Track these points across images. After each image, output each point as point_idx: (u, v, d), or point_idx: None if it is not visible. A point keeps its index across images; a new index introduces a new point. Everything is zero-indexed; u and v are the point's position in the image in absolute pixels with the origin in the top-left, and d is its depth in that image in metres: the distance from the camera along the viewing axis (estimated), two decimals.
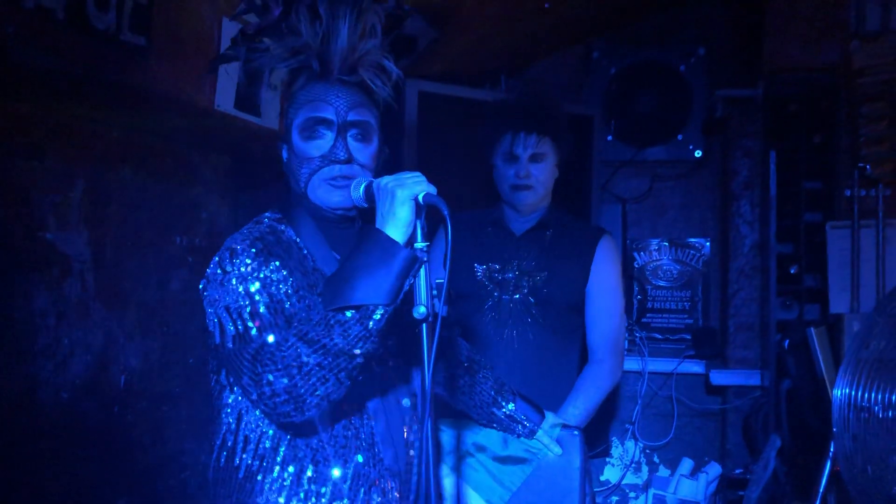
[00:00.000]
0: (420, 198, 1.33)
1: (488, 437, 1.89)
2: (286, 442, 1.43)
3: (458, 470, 1.88)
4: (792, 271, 3.40)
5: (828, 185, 3.42)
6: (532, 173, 2.34)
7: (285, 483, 1.42)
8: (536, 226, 2.40)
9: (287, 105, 1.56)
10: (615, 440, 3.97)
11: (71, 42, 1.80)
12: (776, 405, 3.18)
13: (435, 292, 1.34)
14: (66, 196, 1.96)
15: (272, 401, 1.29)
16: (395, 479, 1.50)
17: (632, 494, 3.98)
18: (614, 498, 3.99)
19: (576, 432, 1.92)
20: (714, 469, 3.66)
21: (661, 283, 4.01)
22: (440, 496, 1.41)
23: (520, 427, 1.86)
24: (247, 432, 1.43)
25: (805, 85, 3.44)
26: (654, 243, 4.01)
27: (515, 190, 2.35)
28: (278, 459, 1.42)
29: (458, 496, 1.86)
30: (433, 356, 1.32)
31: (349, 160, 1.49)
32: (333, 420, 1.45)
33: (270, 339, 1.33)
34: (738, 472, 3.54)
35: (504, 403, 1.85)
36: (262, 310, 1.36)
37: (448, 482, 1.88)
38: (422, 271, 1.33)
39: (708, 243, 3.96)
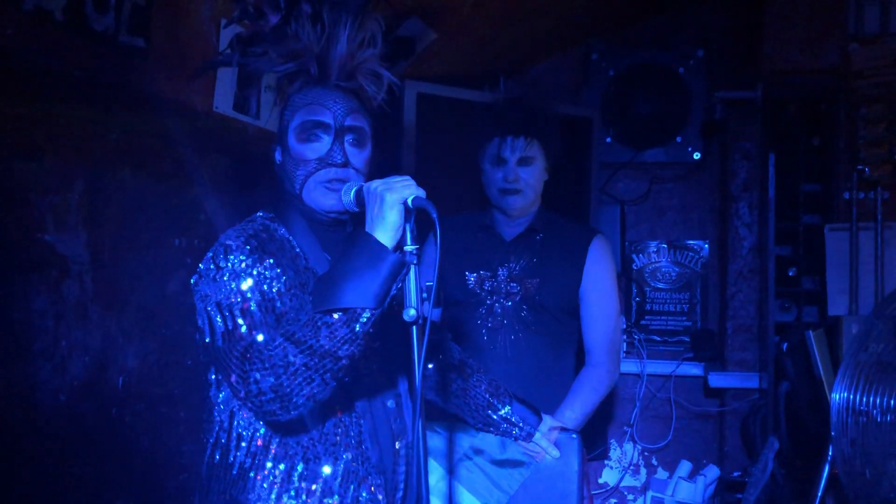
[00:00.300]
0: (409, 201, 1.34)
1: (485, 440, 1.89)
2: (277, 440, 1.44)
3: (453, 473, 1.88)
4: (790, 273, 3.41)
5: (826, 188, 3.43)
6: (521, 177, 2.31)
7: (276, 480, 1.43)
8: (527, 230, 2.37)
9: (282, 107, 1.56)
10: (613, 442, 3.97)
11: (70, 43, 1.80)
12: (774, 408, 3.19)
13: (425, 295, 1.35)
14: (64, 197, 1.96)
15: (258, 399, 1.30)
16: (381, 477, 1.52)
17: (630, 497, 3.98)
18: (613, 500, 3.99)
19: (574, 435, 1.92)
20: (712, 471, 3.66)
21: (660, 285, 4.01)
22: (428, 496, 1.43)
23: (516, 430, 1.86)
24: (240, 430, 1.45)
25: (804, 87, 3.44)
26: (653, 245, 4.02)
27: (504, 194, 2.32)
28: (270, 457, 1.44)
29: (451, 498, 1.86)
30: (423, 358, 1.34)
31: (346, 164, 1.50)
32: (324, 418, 1.46)
33: (260, 337, 1.34)
34: (736, 474, 3.54)
35: (499, 406, 1.85)
36: (252, 307, 1.37)
37: (442, 485, 1.88)
38: (411, 274, 1.34)
39: (706, 245, 3.96)
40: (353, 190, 1.46)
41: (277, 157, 1.57)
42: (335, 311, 1.31)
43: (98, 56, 1.85)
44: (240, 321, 1.36)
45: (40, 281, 1.89)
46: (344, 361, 1.32)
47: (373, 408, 1.52)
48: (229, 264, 1.39)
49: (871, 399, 2.06)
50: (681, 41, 3.93)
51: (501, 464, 1.88)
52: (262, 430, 1.44)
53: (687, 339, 3.92)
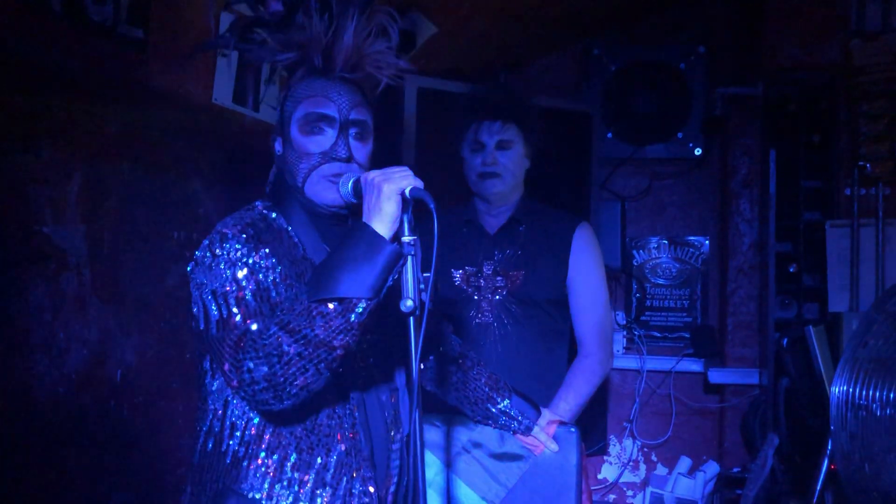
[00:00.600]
0: (407, 192, 1.34)
1: (484, 433, 1.89)
2: (270, 429, 1.44)
3: (451, 466, 1.88)
4: (791, 270, 3.40)
5: (827, 184, 3.42)
6: (499, 160, 2.29)
7: (269, 470, 1.42)
8: (509, 221, 2.35)
9: (283, 97, 1.55)
10: (613, 438, 3.97)
11: (68, 35, 1.79)
12: (774, 404, 3.18)
13: (422, 286, 1.34)
14: (62, 190, 1.95)
15: (251, 388, 1.30)
16: (373, 470, 1.51)
17: (629, 493, 3.97)
18: (612, 496, 3.99)
19: (573, 429, 1.91)
20: (712, 467, 3.66)
21: (660, 282, 4.00)
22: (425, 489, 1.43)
23: (515, 423, 1.86)
24: (233, 419, 1.44)
25: (805, 83, 3.43)
26: (654, 241, 4.01)
27: (482, 178, 2.30)
28: (263, 446, 1.43)
29: (449, 491, 1.86)
30: (419, 349, 1.33)
31: (349, 159, 1.49)
32: (318, 409, 1.45)
33: (254, 326, 1.34)
34: (735, 470, 3.54)
35: (499, 399, 1.85)
36: (248, 296, 1.36)
37: (440, 479, 1.88)
38: (408, 265, 1.33)
39: (707, 241, 3.96)
40: (352, 181, 1.45)
41: (278, 147, 1.56)
42: (331, 300, 1.30)
43: (96, 47, 1.84)
44: (234, 310, 1.35)
45: (38, 274, 1.89)
46: (339, 352, 1.32)
47: (367, 399, 1.52)
48: (225, 252, 1.38)
49: (871, 393, 2.06)
50: (682, 37, 3.92)
51: (500, 457, 1.88)
52: (256, 420, 1.43)
53: (687, 336, 3.91)
